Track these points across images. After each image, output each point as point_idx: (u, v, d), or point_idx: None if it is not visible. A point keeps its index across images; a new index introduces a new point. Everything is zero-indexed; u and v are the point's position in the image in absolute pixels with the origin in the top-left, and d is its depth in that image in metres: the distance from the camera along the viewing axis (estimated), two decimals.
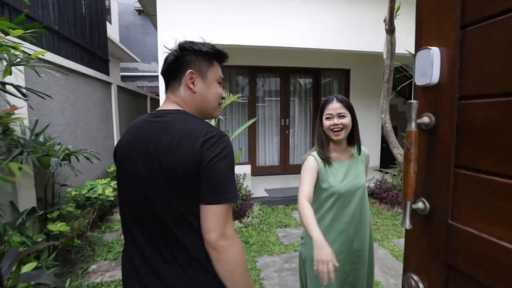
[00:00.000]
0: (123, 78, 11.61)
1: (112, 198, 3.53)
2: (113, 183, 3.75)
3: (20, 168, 2.30)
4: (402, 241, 3.36)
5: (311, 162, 1.44)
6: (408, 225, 0.62)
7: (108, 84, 4.95)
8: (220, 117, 4.34)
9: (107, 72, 7.05)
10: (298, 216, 3.50)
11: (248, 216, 3.90)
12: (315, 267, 1.09)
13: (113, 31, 9.28)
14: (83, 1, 5.88)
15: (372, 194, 4.66)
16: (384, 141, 5.21)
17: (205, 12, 4.24)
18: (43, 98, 2.48)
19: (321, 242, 1.12)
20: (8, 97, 2.24)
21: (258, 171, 6.23)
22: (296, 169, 6.41)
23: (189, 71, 0.92)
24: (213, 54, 0.97)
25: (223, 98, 1.03)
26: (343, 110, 1.40)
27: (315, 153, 1.47)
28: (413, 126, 0.60)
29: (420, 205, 0.64)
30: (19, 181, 2.41)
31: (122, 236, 3.50)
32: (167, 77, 0.97)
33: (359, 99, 6.32)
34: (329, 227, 1.44)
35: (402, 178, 0.63)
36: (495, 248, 0.48)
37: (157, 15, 4.14)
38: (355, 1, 4.76)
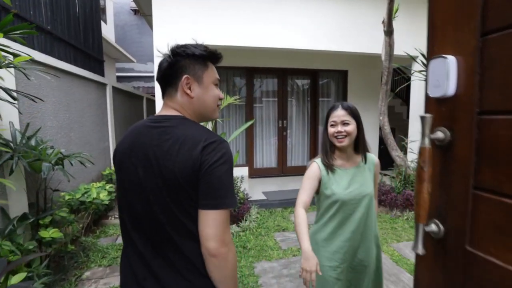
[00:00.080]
0: (119, 78, 11.48)
1: (107, 202, 3.46)
2: (108, 186, 3.68)
3: (11, 173, 2.24)
4: (401, 245, 3.32)
5: (313, 169, 1.46)
6: (420, 250, 0.57)
7: (103, 85, 4.86)
8: (218, 119, 4.28)
9: (102, 73, 6.94)
10: None
11: (245, 220, 3.84)
12: (300, 274, 1.24)
13: (108, 31, 9.17)
14: (77, 1, 5.78)
15: None
16: (382, 143, 5.18)
17: (202, 12, 4.17)
18: (34, 101, 2.41)
19: (308, 253, 1.23)
20: None
21: (255, 173, 6.18)
22: (294, 171, 6.38)
23: (184, 76, 0.91)
24: (207, 56, 0.95)
25: (221, 99, 1.02)
26: (347, 118, 1.40)
27: (319, 160, 1.48)
28: (426, 142, 0.55)
29: (433, 227, 0.58)
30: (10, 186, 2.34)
31: (117, 241, 3.45)
32: (163, 83, 0.96)
33: (356, 101, 6.28)
34: (333, 233, 1.43)
35: (414, 198, 0.57)
36: None
37: (152, 15, 4.06)
38: (353, 2, 4.71)
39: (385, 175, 5.37)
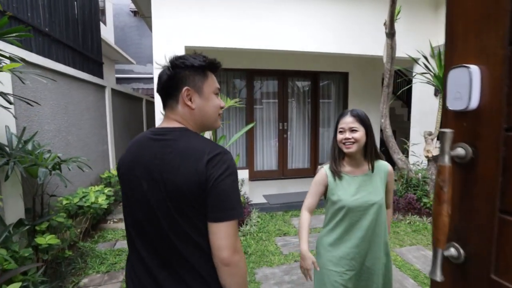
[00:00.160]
0: (118, 80, 11.44)
1: (106, 206, 3.41)
2: (107, 190, 3.62)
3: (7, 178, 2.19)
4: (404, 250, 3.27)
5: (320, 175, 1.51)
6: (439, 277, 0.52)
7: (102, 87, 4.81)
8: None
9: (101, 75, 6.89)
10: (297, 223, 3.39)
11: (246, 224, 3.79)
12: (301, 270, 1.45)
13: (108, 32, 9.13)
14: (75, 2, 5.73)
15: None
16: (383, 145, 5.13)
17: (201, 14, 4.12)
18: (31, 105, 2.37)
19: (304, 254, 1.42)
20: None
21: (256, 176, 6.13)
22: (295, 174, 6.33)
23: (184, 88, 0.91)
24: (206, 67, 0.95)
25: (222, 108, 1.01)
26: (356, 125, 1.41)
27: (327, 166, 1.51)
28: (446, 160, 0.50)
29: (452, 251, 0.54)
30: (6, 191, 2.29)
31: (116, 247, 3.40)
32: (163, 95, 0.96)
33: (357, 103, 6.24)
34: (340, 239, 1.45)
35: (432, 220, 0.52)
36: None
37: (151, 17, 4.02)
38: (355, 4, 4.67)
39: None
